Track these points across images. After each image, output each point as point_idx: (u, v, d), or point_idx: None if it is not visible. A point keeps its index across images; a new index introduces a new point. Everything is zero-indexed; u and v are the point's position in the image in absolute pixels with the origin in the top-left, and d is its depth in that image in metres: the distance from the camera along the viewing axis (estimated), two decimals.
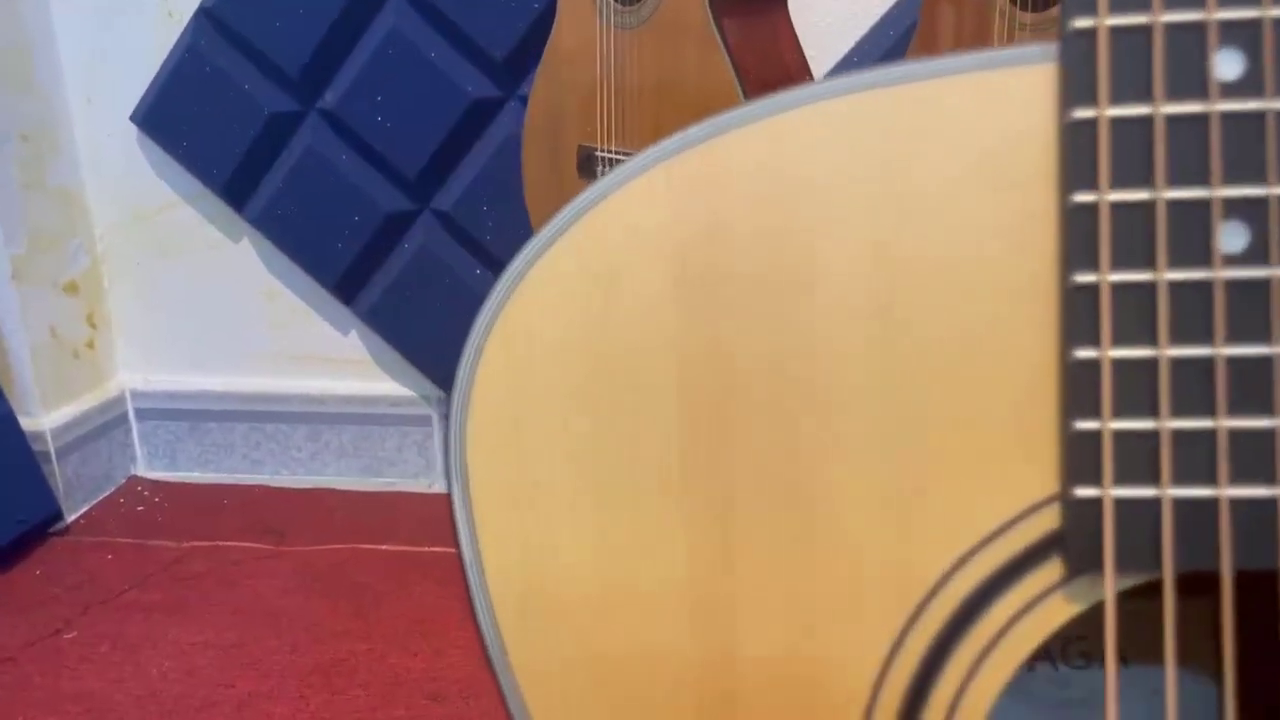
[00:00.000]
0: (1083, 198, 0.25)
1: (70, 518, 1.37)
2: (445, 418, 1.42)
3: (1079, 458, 0.25)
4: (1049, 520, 0.26)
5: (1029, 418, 0.25)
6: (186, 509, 1.40)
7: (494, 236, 1.32)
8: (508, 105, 1.29)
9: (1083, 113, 0.25)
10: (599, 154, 1.08)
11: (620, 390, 0.26)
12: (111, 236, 1.44)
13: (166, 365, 1.48)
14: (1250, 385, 0.24)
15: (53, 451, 1.35)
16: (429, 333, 1.37)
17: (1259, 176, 0.25)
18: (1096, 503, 0.25)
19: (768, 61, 0.98)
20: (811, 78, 1.03)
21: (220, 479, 1.47)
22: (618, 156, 1.06)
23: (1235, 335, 0.24)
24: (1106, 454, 0.25)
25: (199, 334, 1.45)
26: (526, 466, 0.27)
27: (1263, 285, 0.24)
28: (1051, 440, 0.25)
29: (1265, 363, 0.24)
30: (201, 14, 1.31)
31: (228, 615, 1.15)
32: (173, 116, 1.35)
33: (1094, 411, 0.25)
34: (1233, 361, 0.24)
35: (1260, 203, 0.25)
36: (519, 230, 1.26)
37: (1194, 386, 0.24)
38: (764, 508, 0.26)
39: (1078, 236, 0.25)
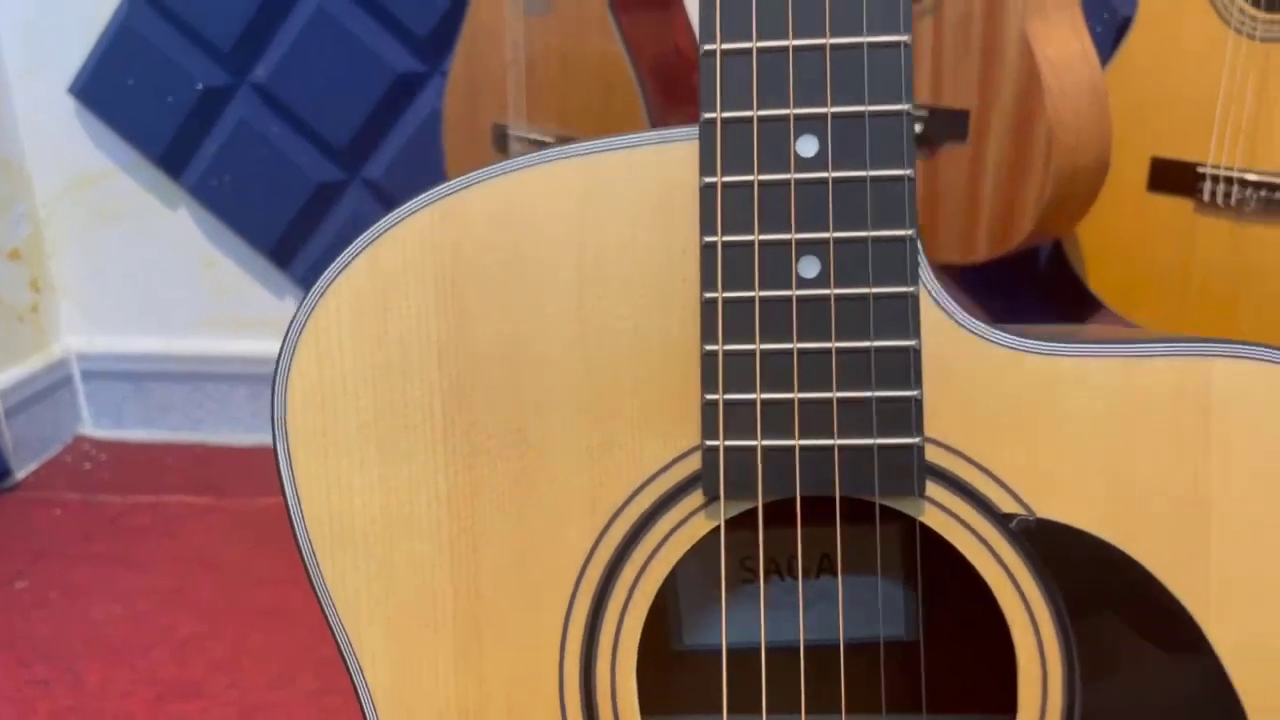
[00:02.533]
0: (708, 238, 0.34)
1: (19, 475, 1.43)
2: None
3: (709, 420, 0.35)
4: (693, 463, 0.36)
5: (681, 392, 0.35)
6: (131, 466, 1.47)
7: None
8: (431, 79, 1.35)
9: (708, 178, 0.34)
10: (511, 132, 1.15)
11: (396, 372, 0.36)
12: (53, 204, 1.49)
13: (110, 328, 1.53)
14: (815, 369, 0.34)
15: (1, 412, 1.41)
16: None
17: (825, 225, 0.34)
18: (718, 450, 0.34)
19: (662, 49, 1.05)
20: None
21: (164, 437, 1.54)
22: (530, 136, 1.13)
23: (805, 335, 0.34)
24: (722, 417, 0.34)
25: (141, 298, 1.51)
26: (329, 428, 0.37)
27: (827, 301, 0.34)
28: (695, 408, 0.35)
29: (825, 354, 0.34)
30: None
31: (169, 563, 1.22)
32: (110, 88, 1.40)
33: (716, 387, 0.34)
34: (803, 353, 0.34)
35: (826, 244, 0.34)
36: None
37: (778, 370, 0.34)
38: (499, 454, 0.36)
39: (707, 266, 0.34)
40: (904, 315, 0.35)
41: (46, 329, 1.51)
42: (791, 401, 0.35)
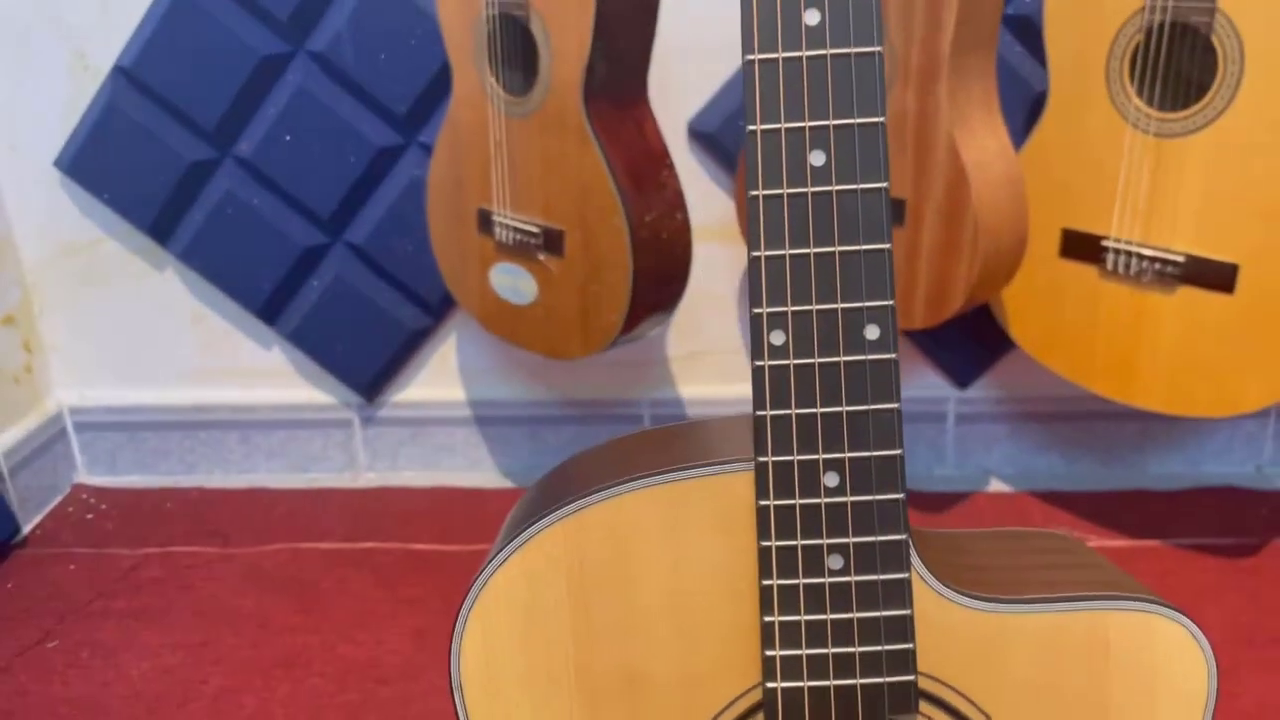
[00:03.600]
0: (764, 543, 0.48)
1: (25, 529, 1.52)
2: (364, 420, 1.61)
3: (769, 669, 0.51)
4: (755, 696, 0.51)
5: (744, 650, 0.49)
6: (132, 514, 1.56)
7: (401, 265, 1.49)
8: (410, 150, 1.45)
9: (762, 501, 0.48)
10: (496, 217, 1.26)
11: (540, 638, 0.49)
12: (41, 270, 1.55)
13: (101, 382, 1.61)
14: (841, 631, 0.48)
15: (5, 471, 1.49)
16: (348, 348, 1.55)
17: (845, 532, 0.50)
18: (775, 690, 0.49)
19: (634, 150, 1.17)
20: (669, 158, 1.22)
21: (159, 482, 1.63)
22: (513, 222, 1.24)
23: (835, 609, 0.48)
24: (778, 668, 0.49)
25: (131, 354, 1.59)
26: (492, 673, 0.50)
27: (849, 586, 0.49)
28: (756, 659, 0.49)
29: (849, 621, 0.48)
30: (119, 72, 1.42)
31: (190, 617, 1.33)
32: (96, 164, 1.47)
33: (773, 645, 0.49)
34: (834, 621, 0.49)
35: (847, 546, 0.50)
36: (423, 258, 1.44)
37: (815, 633, 0.48)
38: (615, 693, 0.50)
39: (763, 562, 0.48)
40: (901, 594, 0.50)
41: (40, 386, 1.59)
42: (827, 655, 0.49)
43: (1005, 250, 1.17)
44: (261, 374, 1.60)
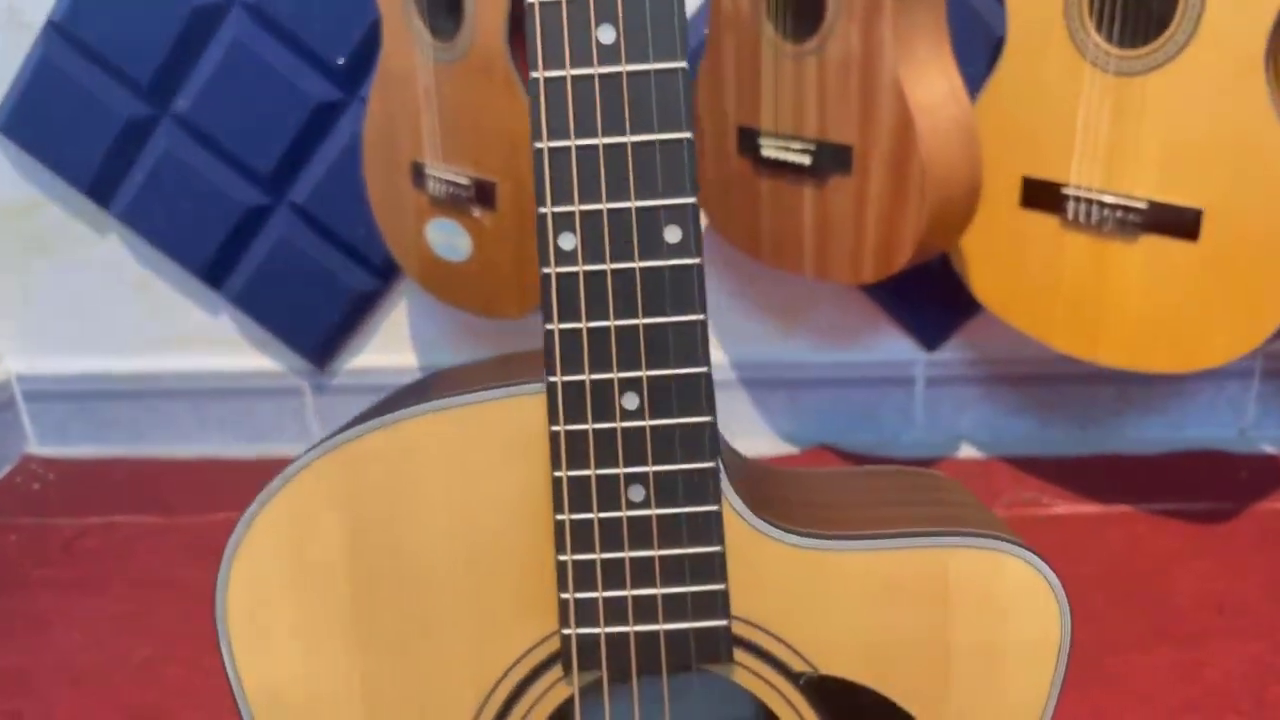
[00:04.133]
0: (556, 473, 0.43)
1: None
2: (316, 388, 1.57)
3: (564, 613, 0.45)
4: (555, 644, 0.46)
5: (542, 591, 0.44)
6: (79, 485, 1.53)
7: (346, 225, 1.44)
8: (351, 105, 1.40)
9: (554, 427, 0.43)
10: (428, 170, 1.21)
11: (312, 583, 0.44)
12: None
13: (50, 350, 1.58)
14: (643, 572, 0.43)
15: None
16: (295, 312, 1.50)
17: (646, 461, 0.45)
18: (571, 636, 0.45)
19: None
20: None
21: (110, 452, 1.60)
22: (446, 176, 1.19)
23: (635, 546, 0.43)
24: (572, 612, 0.44)
25: (79, 322, 1.56)
26: (259, 623, 0.45)
27: (650, 520, 0.43)
28: (554, 603, 0.44)
29: (650, 560, 0.43)
30: (51, 27, 1.37)
31: (126, 587, 1.29)
32: (33, 123, 1.42)
33: (568, 588, 0.43)
34: (633, 560, 0.43)
35: (647, 476, 0.45)
36: (369, 218, 1.39)
37: (615, 573, 0.43)
38: (397, 642, 0.45)
39: (556, 494, 0.43)
40: (710, 528, 0.44)
41: None
42: (627, 598, 0.44)
43: (956, 199, 1.11)
44: (210, 342, 1.56)
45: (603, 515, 0.44)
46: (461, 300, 1.25)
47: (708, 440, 0.44)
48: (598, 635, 0.45)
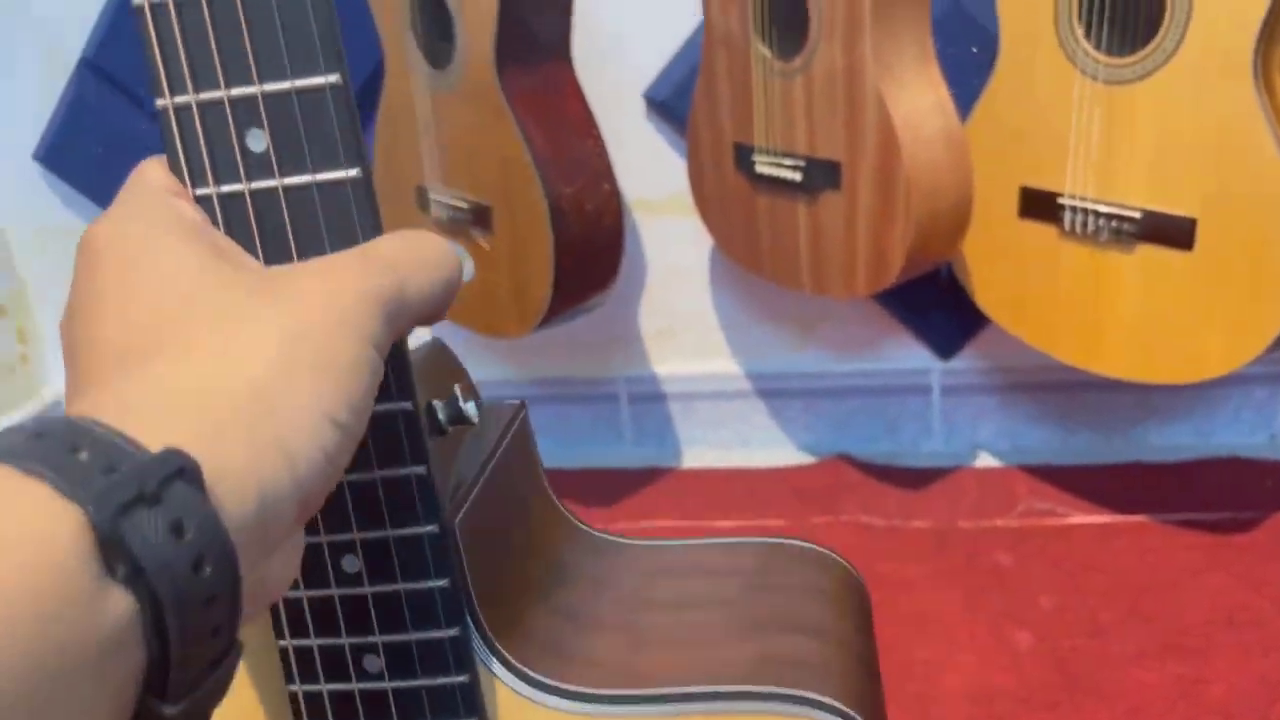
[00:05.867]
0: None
1: None
2: None
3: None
4: None
5: None
6: None
7: None
8: (365, 130, 1.44)
9: None
10: (431, 194, 1.24)
11: None
12: (32, 261, 1.59)
13: None
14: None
15: None
16: None
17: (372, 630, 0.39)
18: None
19: (553, 120, 1.14)
20: (594, 127, 1.18)
21: None
22: (448, 200, 1.22)
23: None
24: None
25: None
26: None
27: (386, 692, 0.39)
28: None
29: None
30: (84, 65, 1.44)
31: None
32: (72, 154, 1.50)
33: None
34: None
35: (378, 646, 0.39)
36: None
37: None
38: None
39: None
40: (455, 700, 0.40)
41: (35, 377, 1.63)
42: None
43: (944, 212, 1.10)
44: None
45: (331, 687, 0.40)
46: (465, 319, 1.28)
47: (449, 606, 0.39)
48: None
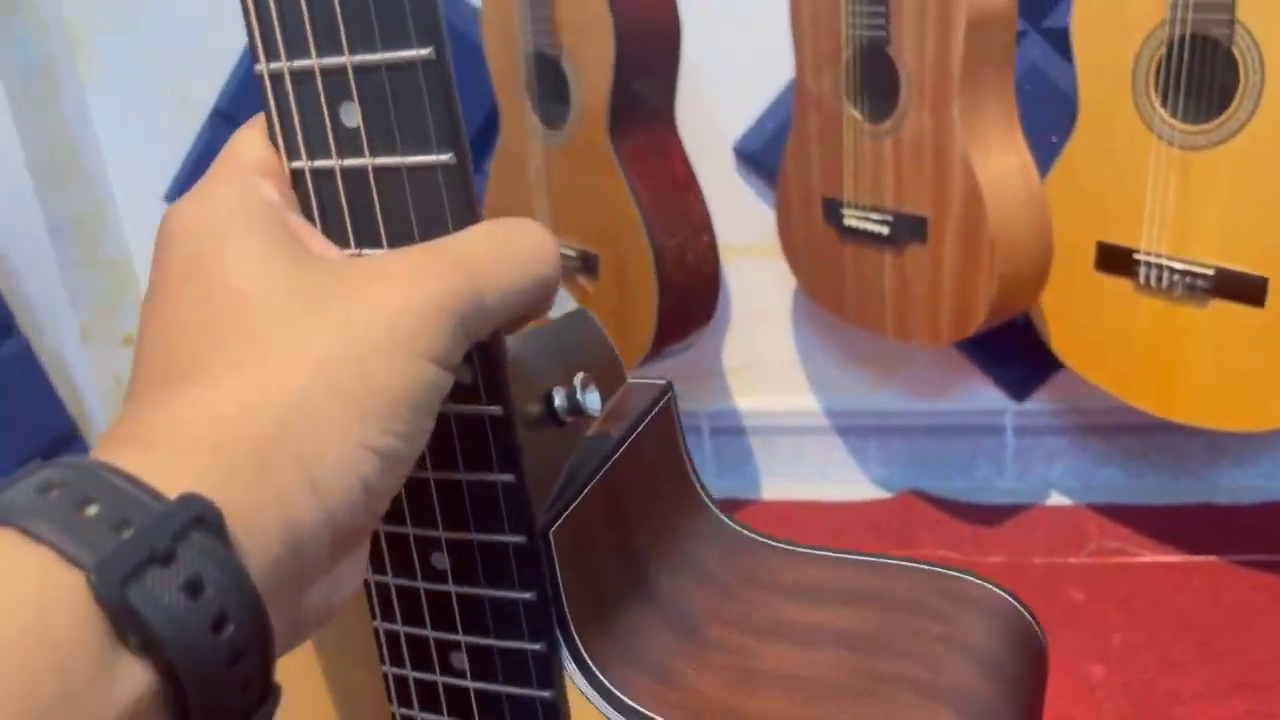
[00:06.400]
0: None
1: None
2: None
3: None
4: None
5: None
6: None
7: None
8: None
9: None
10: None
11: None
12: None
13: None
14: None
15: None
16: None
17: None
18: None
19: (659, 176, 1.23)
20: (695, 182, 1.27)
21: None
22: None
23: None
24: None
25: None
26: None
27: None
28: None
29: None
30: (216, 113, 1.56)
31: None
32: None
33: None
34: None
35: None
36: None
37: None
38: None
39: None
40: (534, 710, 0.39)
41: None
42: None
43: (1025, 267, 1.17)
44: None
45: (417, 675, 0.39)
46: None
47: (533, 618, 0.37)
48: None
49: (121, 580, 0.22)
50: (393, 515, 0.37)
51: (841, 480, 1.62)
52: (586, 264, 1.28)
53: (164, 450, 0.25)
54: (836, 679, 0.39)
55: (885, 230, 1.22)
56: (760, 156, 1.45)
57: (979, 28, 1.08)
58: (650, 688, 0.38)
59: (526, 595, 0.37)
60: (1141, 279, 1.19)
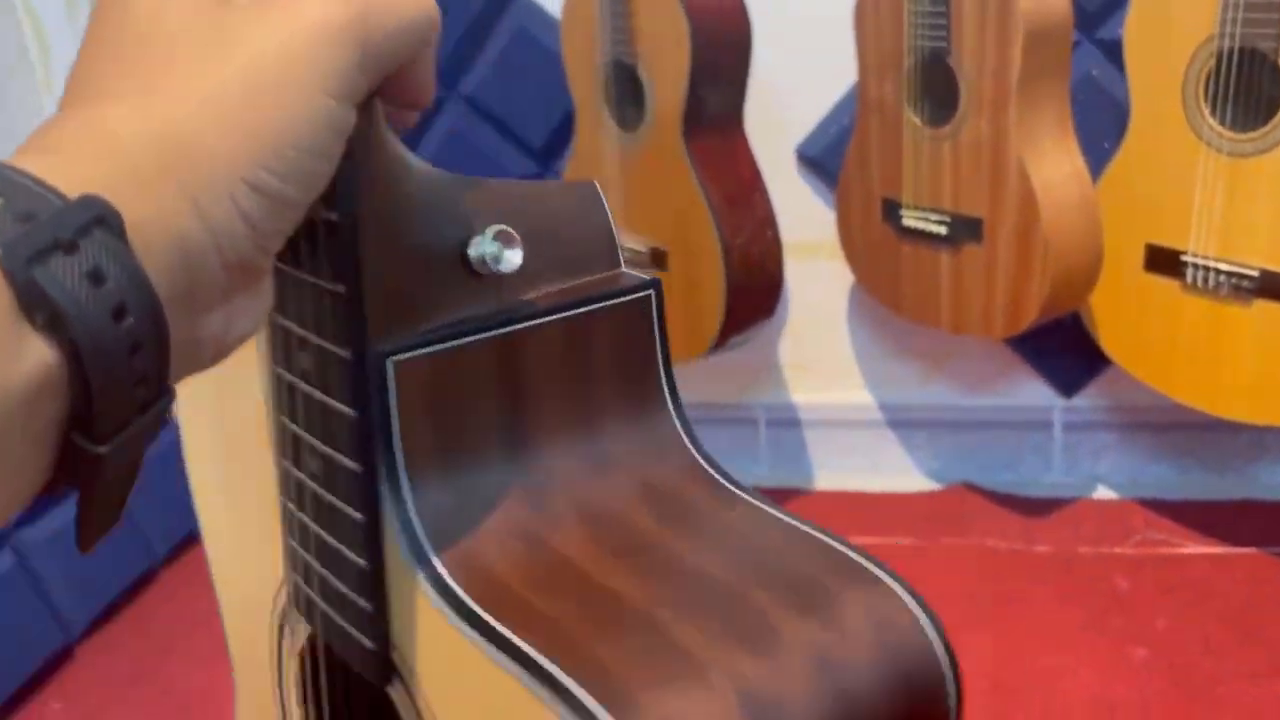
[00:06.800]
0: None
1: None
2: None
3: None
4: None
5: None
6: None
7: None
8: (544, 178, 1.62)
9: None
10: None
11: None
12: None
13: None
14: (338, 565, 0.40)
15: None
16: None
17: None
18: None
19: (728, 177, 1.30)
20: (761, 182, 1.34)
21: None
22: (630, 245, 1.39)
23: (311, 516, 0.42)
24: (285, 554, 0.45)
25: None
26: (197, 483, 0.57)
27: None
28: None
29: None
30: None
31: None
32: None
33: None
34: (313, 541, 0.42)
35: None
36: None
37: (302, 550, 0.43)
38: (238, 518, 0.53)
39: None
40: (355, 536, 0.39)
41: None
42: (307, 562, 0.42)
43: (1076, 269, 1.23)
44: None
45: (286, 464, 0.42)
46: None
47: (354, 437, 0.37)
48: (297, 586, 0.43)
49: (27, 260, 0.23)
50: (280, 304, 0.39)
51: (893, 473, 1.68)
52: (656, 259, 1.35)
53: (70, 156, 0.26)
54: (642, 618, 0.35)
55: (943, 230, 1.29)
56: (821, 159, 1.52)
57: (1036, 39, 1.15)
58: (463, 545, 0.37)
59: (348, 411, 0.37)
60: (1189, 279, 1.25)
